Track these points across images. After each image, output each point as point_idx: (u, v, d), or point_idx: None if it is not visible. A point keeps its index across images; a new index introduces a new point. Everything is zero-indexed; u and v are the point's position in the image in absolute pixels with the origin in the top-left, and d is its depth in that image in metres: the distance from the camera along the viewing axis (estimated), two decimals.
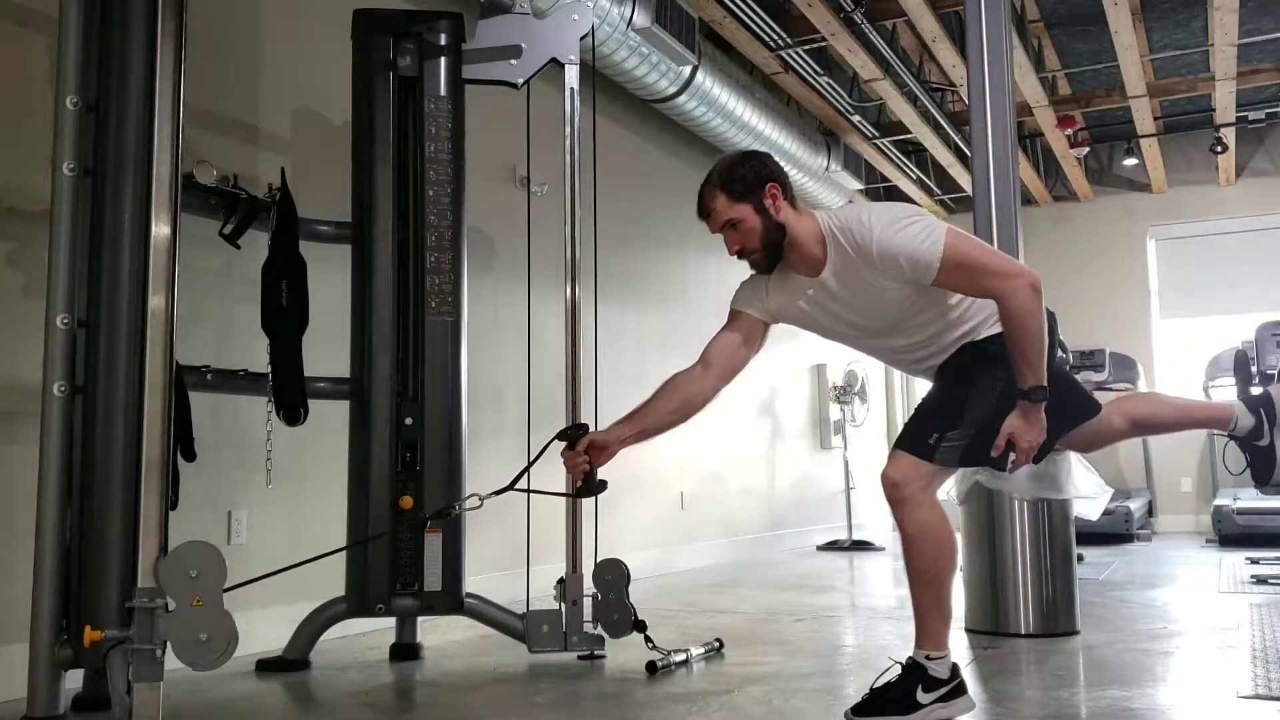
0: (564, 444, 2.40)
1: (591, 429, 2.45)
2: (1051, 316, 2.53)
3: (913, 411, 2.55)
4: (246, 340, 3.38)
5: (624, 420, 2.45)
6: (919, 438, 2.40)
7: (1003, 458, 2.38)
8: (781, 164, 5.68)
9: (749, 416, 7.05)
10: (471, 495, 2.45)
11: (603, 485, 2.41)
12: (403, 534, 3.14)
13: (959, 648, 3.33)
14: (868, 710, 2.35)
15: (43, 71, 2.96)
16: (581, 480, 2.40)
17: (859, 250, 2.32)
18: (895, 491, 2.38)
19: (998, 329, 2.38)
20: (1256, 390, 2.94)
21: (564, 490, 2.61)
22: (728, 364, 2.52)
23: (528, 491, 2.44)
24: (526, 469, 2.43)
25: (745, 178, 2.38)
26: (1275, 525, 6.90)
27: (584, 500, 3.26)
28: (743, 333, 2.53)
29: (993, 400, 2.38)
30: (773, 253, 2.41)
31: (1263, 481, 2.78)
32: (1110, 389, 8.19)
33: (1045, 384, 2.29)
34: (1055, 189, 9.07)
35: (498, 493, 2.41)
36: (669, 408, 2.46)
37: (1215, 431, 2.87)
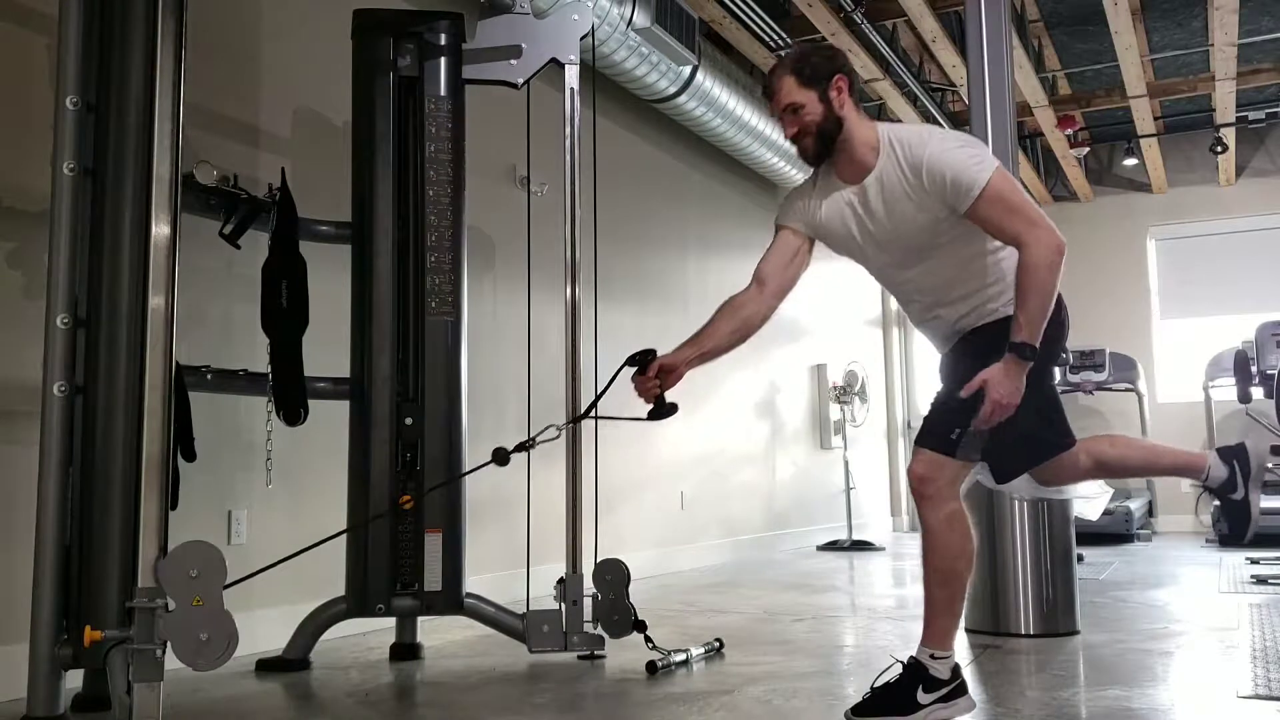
0: (634, 370, 2.44)
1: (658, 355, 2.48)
2: (1063, 322, 2.51)
3: (932, 404, 2.52)
4: (246, 340, 3.39)
5: (687, 343, 2.49)
6: (941, 434, 2.39)
7: (1020, 445, 2.39)
8: (781, 164, 5.70)
9: (749, 416, 7.05)
10: (549, 426, 2.50)
11: (673, 408, 2.45)
12: (406, 533, 3.14)
13: (959, 648, 3.33)
14: (868, 710, 2.35)
15: (43, 71, 2.96)
16: (653, 403, 2.44)
17: (910, 161, 2.34)
18: (922, 486, 2.38)
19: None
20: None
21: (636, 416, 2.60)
22: (780, 282, 2.54)
23: (602, 418, 2.49)
24: (599, 397, 2.47)
25: (816, 65, 2.41)
26: (1275, 525, 6.89)
27: (585, 499, 3.26)
28: (790, 249, 2.55)
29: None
30: (825, 144, 2.42)
31: (1237, 538, 2.69)
32: (1110, 389, 8.21)
33: (1037, 345, 2.27)
34: (1055, 189, 9.07)
35: (574, 421, 2.49)
36: (729, 329, 2.50)
37: (1190, 483, 2.83)
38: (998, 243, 2.39)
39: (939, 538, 2.37)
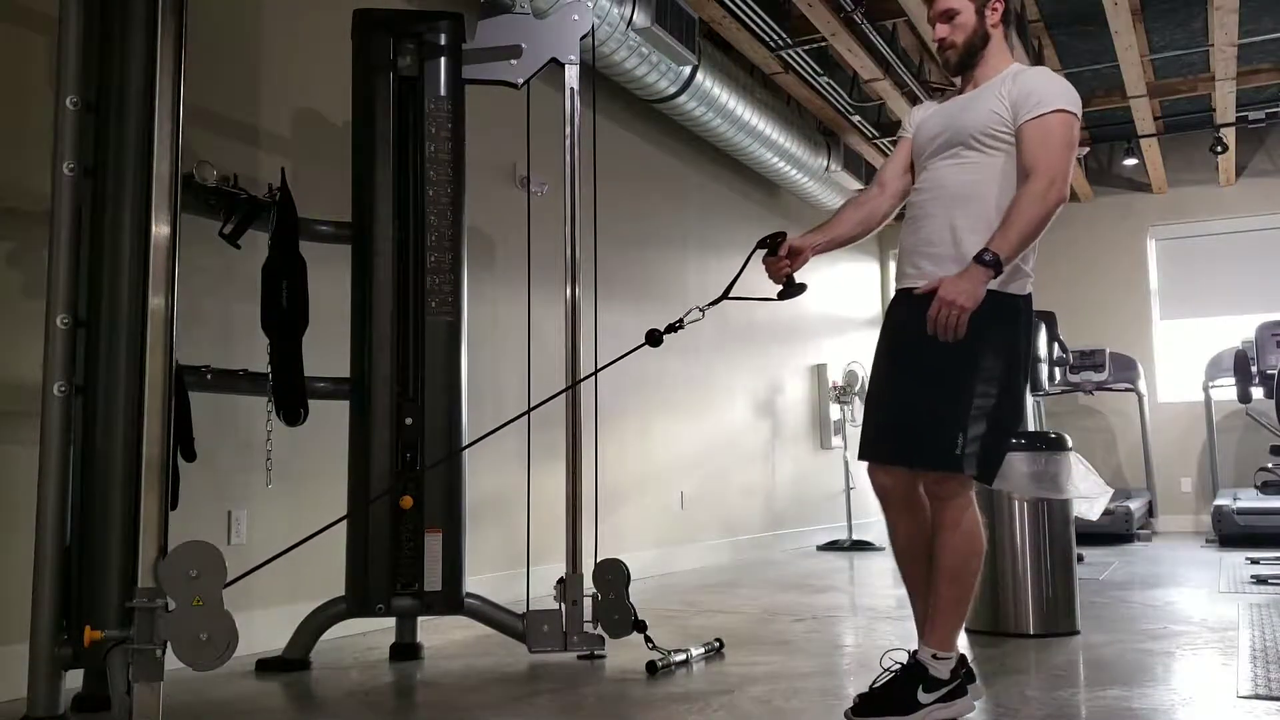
0: (765, 252, 2.53)
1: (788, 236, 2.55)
2: (1050, 316, 2.53)
3: (901, 399, 2.44)
4: (246, 340, 3.39)
5: (815, 230, 2.63)
6: (945, 448, 2.33)
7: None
8: (781, 164, 5.70)
9: (749, 416, 7.05)
10: (692, 309, 2.57)
11: (802, 287, 2.54)
12: (407, 531, 3.14)
13: (959, 648, 3.33)
14: (868, 710, 2.35)
15: (43, 71, 2.96)
16: (783, 283, 2.53)
17: (1018, 76, 2.44)
18: (936, 488, 2.39)
19: (1012, 289, 2.40)
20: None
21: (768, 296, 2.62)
22: (898, 186, 2.67)
23: (739, 299, 2.59)
24: (736, 277, 2.56)
25: None
26: (1275, 525, 6.90)
27: (585, 500, 3.26)
28: (906, 155, 2.66)
29: (996, 396, 2.36)
30: (969, 55, 2.52)
31: (862, 712, 2.32)
32: (1110, 389, 8.21)
33: (1002, 261, 2.29)
34: None
35: (715, 302, 2.59)
36: (855, 219, 2.65)
37: (927, 652, 2.37)
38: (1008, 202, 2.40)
39: (952, 536, 2.37)
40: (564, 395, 3.30)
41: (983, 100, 2.47)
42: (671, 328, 2.60)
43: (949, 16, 2.51)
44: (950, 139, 2.49)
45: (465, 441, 3.33)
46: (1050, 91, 2.38)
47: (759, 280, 2.57)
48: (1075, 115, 2.39)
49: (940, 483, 2.39)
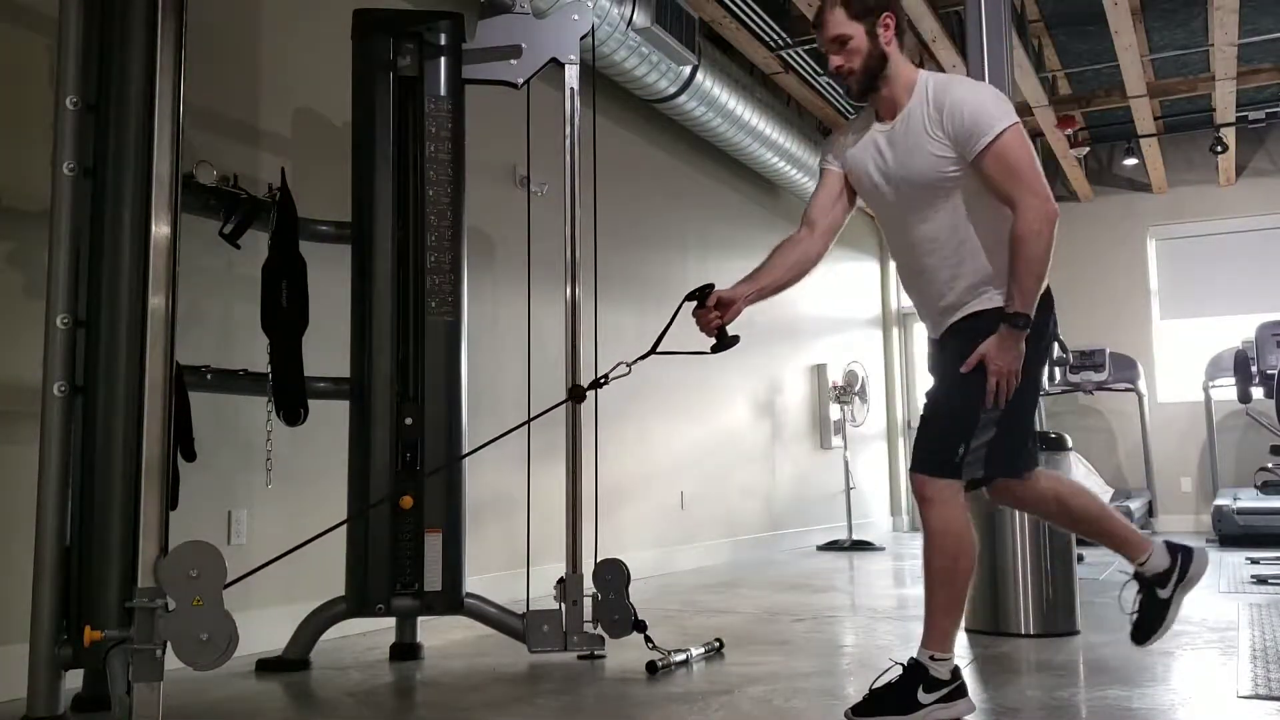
0: (695, 304, 2.48)
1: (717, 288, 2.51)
2: (1051, 312, 2.51)
3: (925, 417, 2.49)
4: (246, 340, 3.39)
5: (745, 280, 2.54)
6: (945, 457, 2.37)
7: (1021, 445, 2.41)
8: (781, 164, 5.72)
9: (749, 416, 7.05)
10: (619, 364, 2.54)
11: (734, 340, 2.50)
12: (407, 531, 3.14)
13: (959, 648, 3.33)
14: (868, 710, 2.35)
15: (43, 71, 2.96)
16: (715, 336, 2.49)
17: (936, 97, 2.37)
18: (924, 489, 2.39)
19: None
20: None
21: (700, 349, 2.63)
22: (828, 222, 2.60)
23: (666, 354, 2.54)
24: (663, 334, 2.52)
25: (866, 0, 2.43)
26: (1275, 525, 6.90)
27: (585, 500, 3.26)
28: (834, 189, 2.60)
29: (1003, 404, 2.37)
30: (869, 79, 2.44)
31: (1143, 638, 2.60)
32: (1110, 389, 8.21)
33: (1030, 314, 2.30)
34: (1055, 189, 9.00)
35: (642, 358, 2.54)
36: (787, 264, 2.57)
37: (1122, 568, 2.75)
38: (992, 216, 2.38)
39: (941, 538, 2.37)
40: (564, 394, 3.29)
41: (917, 141, 2.39)
42: (595, 384, 2.58)
43: (841, 43, 2.43)
44: (906, 195, 2.45)
45: (465, 441, 3.33)
46: (985, 114, 2.31)
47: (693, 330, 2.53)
48: (1018, 123, 2.33)
49: (927, 485, 2.38)
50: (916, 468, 2.42)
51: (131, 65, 2.57)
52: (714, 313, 2.46)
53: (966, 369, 2.35)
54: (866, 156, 2.51)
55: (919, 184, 2.41)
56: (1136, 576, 2.64)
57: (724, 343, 2.49)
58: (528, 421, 2.80)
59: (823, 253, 2.61)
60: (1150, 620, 2.61)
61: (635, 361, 2.54)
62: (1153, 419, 8.43)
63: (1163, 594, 2.59)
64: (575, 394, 2.61)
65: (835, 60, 2.46)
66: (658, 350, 2.54)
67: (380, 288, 3.24)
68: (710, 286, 2.48)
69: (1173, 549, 2.61)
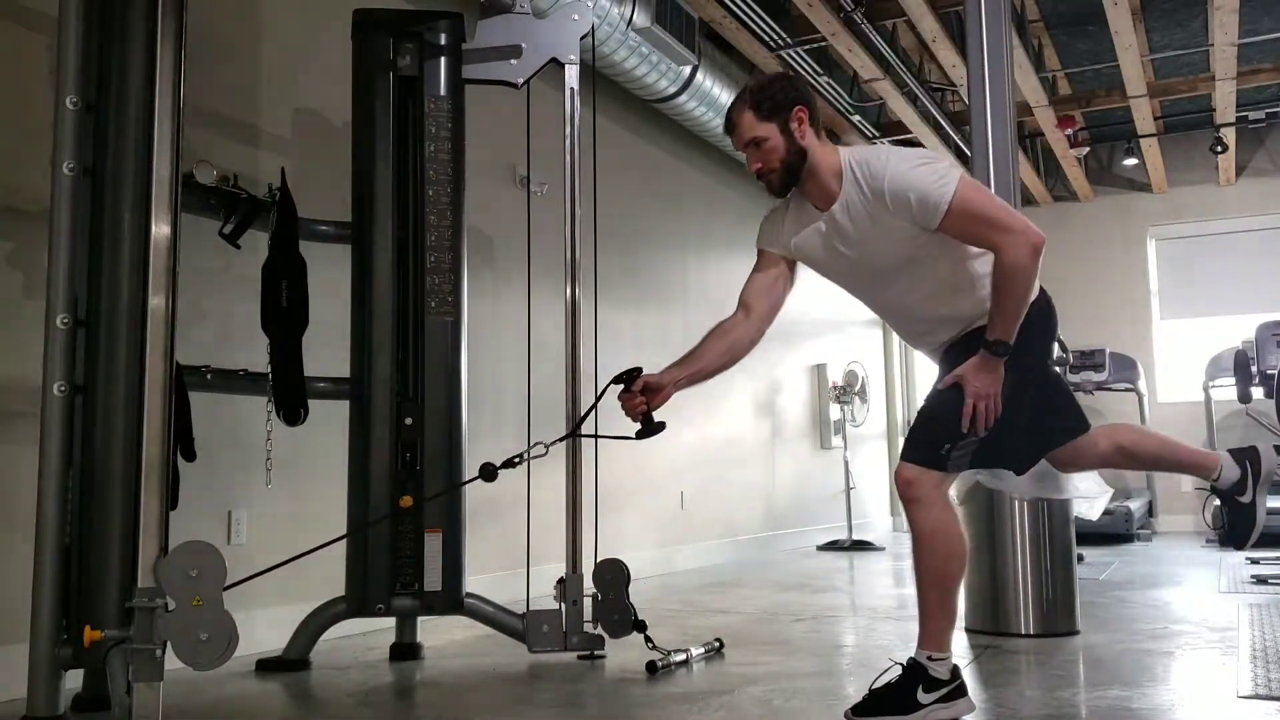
0: (621, 388, 2.42)
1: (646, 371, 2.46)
2: (1052, 309, 2.52)
3: (919, 412, 2.53)
4: (246, 340, 3.38)
5: (676, 364, 2.48)
6: (930, 450, 2.39)
7: (1010, 447, 2.43)
8: None
9: (749, 416, 7.05)
10: (537, 443, 2.48)
11: (660, 426, 2.42)
12: (406, 529, 3.14)
13: (959, 648, 3.33)
14: (868, 710, 2.35)
15: (43, 71, 2.96)
16: (640, 422, 2.42)
17: (872, 185, 2.32)
18: (909, 490, 2.38)
19: None
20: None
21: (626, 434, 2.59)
22: (765, 306, 2.53)
23: (588, 436, 2.48)
24: (584, 416, 2.47)
25: (775, 97, 2.40)
26: (1275, 525, 6.89)
27: (585, 500, 3.26)
28: (772, 272, 2.55)
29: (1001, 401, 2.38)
30: (790, 176, 2.42)
31: (1240, 542, 2.66)
32: (1110, 389, 8.20)
33: (1010, 342, 2.30)
34: (1055, 189, 9.07)
35: (561, 439, 2.47)
36: (718, 350, 2.50)
37: (1199, 484, 2.83)
38: (975, 252, 2.38)
39: (929, 540, 2.37)
40: (564, 395, 3.30)
41: (872, 226, 2.35)
42: (509, 463, 2.53)
43: (756, 145, 2.40)
44: (880, 279, 2.44)
45: (465, 441, 3.33)
46: (925, 185, 2.25)
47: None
48: (958, 174, 2.29)
49: (912, 484, 2.38)
50: (904, 456, 2.43)
51: (131, 65, 2.57)
52: (639, 398, 2.39)
53: (944, 385, 2.37)
54: (818, 246, 2.46)
55: (891, 265, 2.41)
56: (1214, 491, 2.68)
57: (649, 429, 2.41)
58: (466, 483, 2.79)
59: (757, 338, 2.53)
60: (1242, 526, 2.64)
61: (554, 443, 2.45)
62: (1153, 419, 8.42)
63: (1244, 499, 2.63)
64: (486, 472, 2.58)
65: (754, 164, 2.44)
66: (578, 433, 2.47)
67: (380, 288, 3.24)
68: (638, 370, 2.41)
69: (1238, 456, 2.65)
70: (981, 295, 2.40)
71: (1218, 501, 2.67)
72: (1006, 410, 2.37)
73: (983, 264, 2.38)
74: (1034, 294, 2.32)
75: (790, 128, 2.39)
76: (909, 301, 2.48)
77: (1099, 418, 8.76)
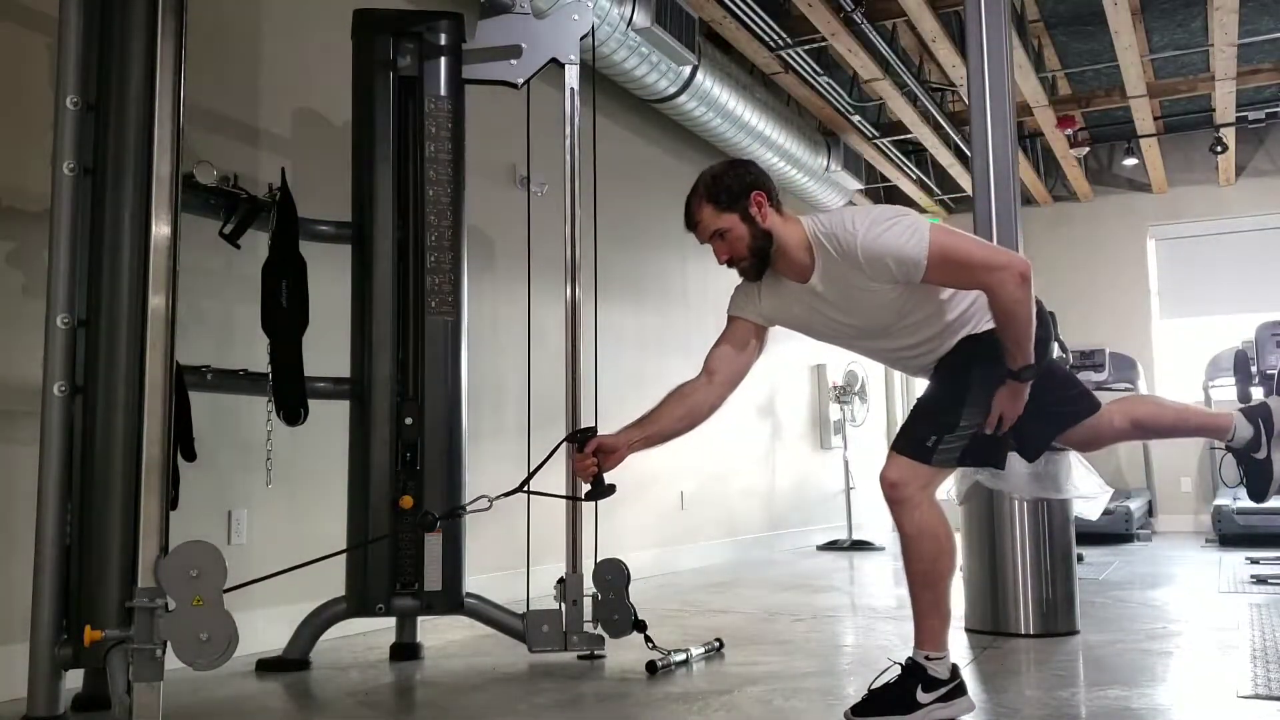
0: (573, 446, 2.40)
1: (600, 432, 2.44)
2: (1050, 316, 2.54)
3: (911, 409, 2.56)
4: (246, 340, 3.38)
5: (633, 425, 2.46)
6: (916, 441, 2.40)
7: (997, 445, 2.45)
8: (781, 164, 5.68)
9: (749, 416, 7.05)
10: (480, 497, 2.45)
11: (610, 489, 2.40)
12: (406, 535, 3.14)
13: (959, 648, 3.33)
14: (867, 710, 2.36)
15: (43, 71, 2.96)
16: (590, 483, 2.40)
17: (845, 255, 2.31)
18: (894, 492, 2.38)
19: None
20: (1256, 399, 2.89)
21: (571, 493, 2.59)
22: (730, 372, 2.53)
23: (534, 494, 2.45)
24: (533, 472, 2.44)
25: (730, 187, 2.39)
26: (1275, 525, 6.90)
27: (585, 501, 3.26)
28: (741, 339, 2.54)
29: (989, 399, 2.39)
30: (761, 260, 2.42)
31: (1259, 497, 2.72)
32: (1110, 389, 8.20)
33: (1033, 362, 2.33)
34: (1055, 189, 9.07)
35: (506, 494, 2.42)
36: (677, 414, 2.49)
37: (1214, 444, 2.86)
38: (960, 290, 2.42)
39: (917, 542, 2.38)
40: (565, 395, 3.30)
41: (862, 290, 2.34)
42: (450, 513, 2.62)
43: (721, 236, 2.40)
44: (877, 330, 2.45)
45: (465, 441, 3.32)
46: (898, 246, 2.24)
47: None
48: (927, 227, 2.28)
49: (897, 486, 2.38)
50: (892, 446, 2.45)
51: (131, 65, 2.56)
52: (591, 460, 2.37)
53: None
54: (800, 313, 2.47)
55: (884, 319, 2.42)
56: (1230, 450, 2.72)
57: (599, 491, 2.39)
58: (529, 476, 2.78)
59: (717, 405, 2.52)
60: (1260, 481, 2.69)
61: (498, 497, 2.43)
62: None
63: (1259, 455, 2.67)
64: (424, 522, 2.60)
65: (722, 255, 2.43)
66: (526, 489, 2.42)
67: (380, 288, 3.25)
68: (592, 431, 2.40)
69: (1250, 415, 2.68)
70: (970, 314, 2.43)
71: (1238, 461, 2.73)
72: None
73: (961, 299, 2.42)
74: (1034, 317, 2.32)
75: (751, 214, 2.38)
76: (905, 343, 2.49)
77: None
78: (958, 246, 2.28)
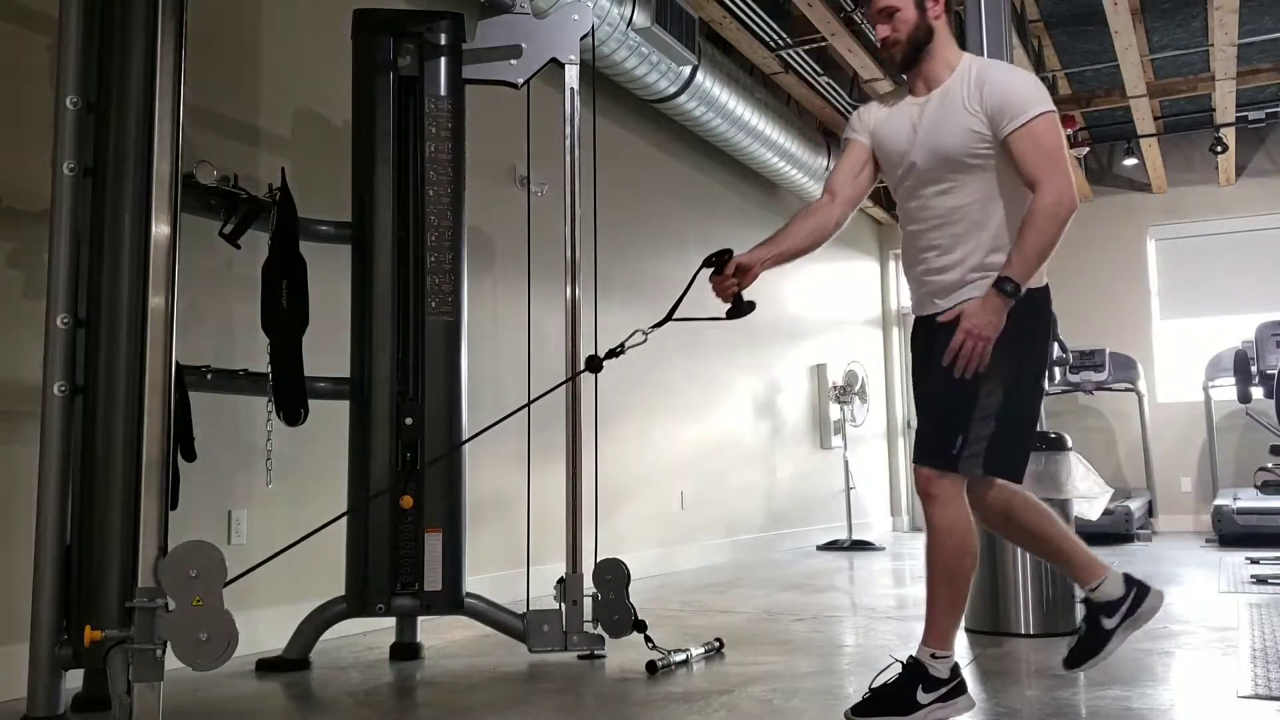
0: (711, 270, 2.48)
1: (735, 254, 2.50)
2: (1050, 303, 2.52)
3: (923, 410, 2.50)
4: (246, 340, 3.39)
5: (763, 244, 2.55)
6: (943, 448, 2.37)
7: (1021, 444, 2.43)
8: (781, 164, 5.70)
9: (749, 416, 7.05)
10: (636, 331, 2.53)
11: (751, 305, 2.48)
12: (407, 529, 3.14)
13: (959, 648, 3.33)
14: (868, 710, 2.35)
15: (43, 71, 2.96)
16: (731, 302, 2.48)
17: (978, 76, 2.41)
18: (928, 487, 2.38)
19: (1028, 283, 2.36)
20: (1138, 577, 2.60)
21: (715, 315, 2.61)
22: (850, 192, 2.61)
23: (685, 319, 2.54)
24: (680, 299, 2.52)
25: None
26: (1275, 525, 6.90)
27: (583, 501, 3.26)
28: (858, 160, 2.62)
29: (1002, 394, 2.36)
30: (914, 50, 2.47)
31: (1075, 663, 2.51)
32: (1110, 389, 8.21)
33: (1021, 285, 2.31)
34: None
35: (659, 325, 2.54)
36: (805, 230, 2.58)
37: (1075, 595, 2.66)
38: (1010, 197, 2.40)
39: (945, 537, 2.37)
40: (565, 395, 3.30)
41: (953, 116, 2.41)
42: (613, 352, 2.57)
43: (889, 14, 2.45)
44: (931, 165, 2.45)
45: (464, 438, 3.32)
46: (1024, 95, 2.35)
47: (709, 296, 2.51)
48: (1054, 111, 2.38)
49: (932, 481, 2.38)
50: (917, 459, 2.43)
51: (131, 65, 2.57)
52: (731, 279, 2.46)
53: (947, 318, 2.37)
54: (896, 127, 2.53)
55: (944, 156, 2.43)
56: (1085, 601, 2.57)
57: (740, 309, 2.49)
58: (527, 404, 2.79)
59: (841, 222, 2.62)
60: (1089, 648, 2.52)
61: (652, 329, 2.53)
62: (1153, 419, 8.43)
63: (1108, 624, 2.51)
64: (592, 364, 2.61)
65: (882, 30, 2.49)
66: (674, 317, 2.54)
67: (380, 288, 3.25)
68: (729, 252, 2.47)
69: (1130, 581, 2.56)
70: (991, 247, 2.40)
71: (1082, 617, 2.53)
72: (1017, 399, 2.37)
73: (1006, 216, 2.41)
74: (1052, 248, 2.33)
75: (925, 5, 2.45)
76: (938, 207, 2.46)
77: (1099, 418, 8.73)
78: (1052, 140, 2.34)
